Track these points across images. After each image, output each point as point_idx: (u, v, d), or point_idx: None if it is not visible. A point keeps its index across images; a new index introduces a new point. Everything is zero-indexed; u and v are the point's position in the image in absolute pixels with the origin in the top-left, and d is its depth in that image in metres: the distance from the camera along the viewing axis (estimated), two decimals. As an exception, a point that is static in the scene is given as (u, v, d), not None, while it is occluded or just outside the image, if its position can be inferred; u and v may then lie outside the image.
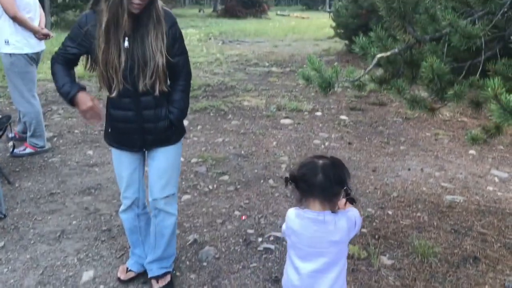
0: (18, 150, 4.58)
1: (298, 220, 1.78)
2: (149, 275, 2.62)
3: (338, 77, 2.32)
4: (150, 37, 2.15)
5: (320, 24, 22.21)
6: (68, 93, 2.19)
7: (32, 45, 4.53)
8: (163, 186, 2.45)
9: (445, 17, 2.10)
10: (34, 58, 4.62)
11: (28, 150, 4.61)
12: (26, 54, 4.48)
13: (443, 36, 2.33)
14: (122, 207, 2.57)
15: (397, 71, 2.52)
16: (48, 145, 4.80)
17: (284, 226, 1.87)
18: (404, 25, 2.22)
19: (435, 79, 2.11)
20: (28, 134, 4.60)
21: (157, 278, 2.60)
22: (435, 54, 2.23)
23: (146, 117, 2.30)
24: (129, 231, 2.64)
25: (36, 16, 4.61)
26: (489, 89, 1.66)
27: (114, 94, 2.21)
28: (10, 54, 4.41)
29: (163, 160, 2.43)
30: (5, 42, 4.37)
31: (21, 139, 4.85)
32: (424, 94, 2.71)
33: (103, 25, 2.08)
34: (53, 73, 2.25)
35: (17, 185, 3.94)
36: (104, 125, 2.42)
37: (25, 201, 3.66)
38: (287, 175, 1.79)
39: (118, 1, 2.02)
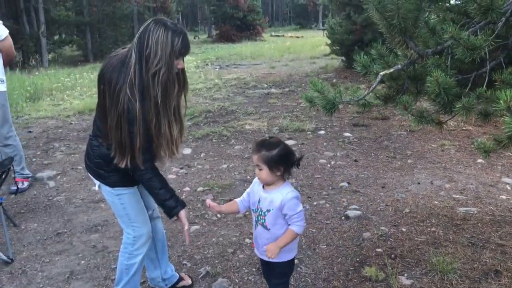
0: (20, 188, 4.56)
1: (293, 188, 2.16)
2: (177, 280, 2.84)
3: (342, 97, 2.28)
4: (180, 101, 2.28)
5: (314, 42, 22.41)
6: (174, 208, 2.28)
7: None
8: None
9: (447, 30, 2.07)
10: None
11: (27, 183, 4.64)
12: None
13: (445, 49, 2.30)
14: (144, 244, 2.51)
15: (401, 87, 2.48)
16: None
17: (301, 207, 2.12)
18: (406, 41, 2.19)
19: (442, 93, 2.07)
20: (17, 169, 4.59)
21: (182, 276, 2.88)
22: (439, 67, 2.19)
23: None
24: (148, 258, 2.72)
25: None
26: (501, 101, 1.62)
27: (163, 164, 2.31)
28: (5, 92, 4.49)
29: None
30: (1, 81, 4.43)
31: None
32: (428, 106, 2.67)
33: (152, 101, 2.08)
34: (147, 180, 2.24)
35: (23, 227, 3.88)
36: (111, 174, 2.34)
37: (31, 243, 3.59)
38: (298, 157, 2.14)
39: (166, 75, 2.05)
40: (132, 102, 2.03)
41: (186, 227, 2.31)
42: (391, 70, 2.27)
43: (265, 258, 2.23)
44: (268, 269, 2.37)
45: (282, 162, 2.08)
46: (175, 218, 2.35)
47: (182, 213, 2.30)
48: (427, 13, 2.44)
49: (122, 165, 2.16)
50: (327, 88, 2.42)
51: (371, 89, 2.28)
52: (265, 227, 2.18)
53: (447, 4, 2.76)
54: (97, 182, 2.42)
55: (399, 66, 2.29)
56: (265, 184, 2.17)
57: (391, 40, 2.29)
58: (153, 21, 2.08)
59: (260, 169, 2.09)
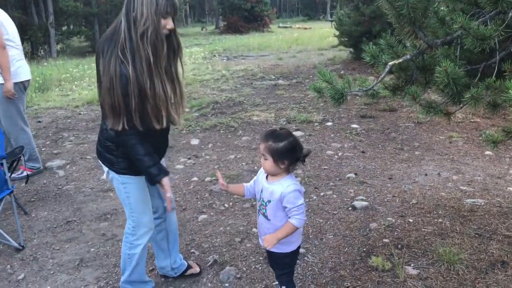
0: (17, 175, 4.62)
1: (296, 181, 2.15)
2: (185, 268, 2.90)
3: (350, 88, 2.29)
4: (177, 65, 2.29)
5: (322, 33, 22.29)
6: (157, 175, 2.26)
7: (24, 73, 4.62)
8: None
9: (456, 20, 2.06)
10: (26, 86, 4.74)
11: (26, 172, 4.66)
12: (21, 83, 4.58)
13: (454, 39, 2.30)
14: (144, 235, 2.51)
15: (410, 77, 2.48)
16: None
17: (303, 201, 2.11)
18: (415, 31, 2.19)
19: (451, 84, 2.07)
20: (24, 159, 4.66)
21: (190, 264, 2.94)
22: (448, 58, 2.19)
23: (164, 133, 2.45)
24: (157, 246, 2.78)
25: (22, 52, 4.71)
26: (510, 91, 1.62)
27: (164, 125, 2.24)
28: (2, 85, 4.44)
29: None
30: None
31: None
32: (436, 97, 2.67)
33: (144, 61, 2.09)
34: (132, 145, 2.21)
35: (33, 215, 3.93)
36: (120, 160, 2.35)
37: (42, 231, 3.65)
38: (305, 153, 2.13)
39: (154, 34, 2.07)
40: (124, 64, 2.07)
41: (168, 194, 2.31)
42: (400, 60, 2.27)
43: (271, 249, 2.26)
44: (271, 259, 2.40)
45: (288, 155, 2.07)
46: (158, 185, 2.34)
47: (165, 180, 2.28)
48: (436, 3, 2.43)
49: (119, 128, 2.13)
50: (335, 78, 2.42)
51: (379, 79, 2.28)
52: (266, 217, 2.19)
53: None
54: (105, 169, 2.44)
55: (408, 57, 2.28)
56: (269, 175, 2.17)
57: (400, 30, 2.29)
58: None
59: (265, 159, 2.09)
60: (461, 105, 2.36)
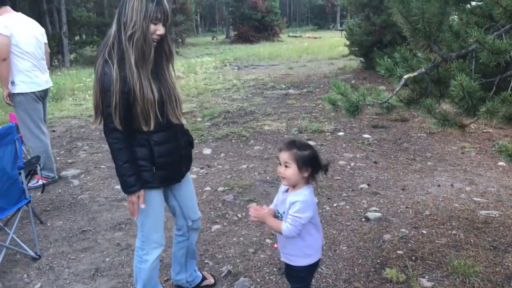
0: (32, 184, 4.69)
1: (309, 194, 2.14)
2: (201, 280, 2.91)
3: (365, 100, 2.30)
4: (170, 69, 2.34)
5: (333, 43, 22.33)
6: (133, 186, 2.26)
7: (38, 84, 4.75)
8: (196, 206, 2.73)
9: (471, 34, 2.08)
10: (41, 96, 4.86)
11: (41, 181, 4.73)
12: (33, 93, 4.70)
13: (469, 53, 2.31)
14: (153, 250, 2.50)
15: (425, 90, 2.49)
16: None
17: (304, 216, 2.08)
18: (430, 45, 2.20)
19: (466, 97, 2.08)
20: (39, 168, 4.73)
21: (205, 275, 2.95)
22: (463, 71, 2.20)
23: (182, 145, 2.47)
24: (175, 260, 2.81)
25: (39, 63, 4.81)
26: (527, 105, 1.63)
27: (151, 128, 2.24)
28: (17, 94, 4.62)
29: (189, 184, 2.69)
30: (12, 83, 4.59)
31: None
32: (448, 108, 2.68)
33: (133, 63, 2.13)
34: (117, 149, 2.23)
35: (49, 224, 3.98)
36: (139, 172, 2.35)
37: (58, 240, 3.69)
38: (325, 164, 2.17)
39: (142, 38, 2.12)
40: (109, 65, 2.13)
41: (135, 205, 2.32)
42: (415, 73, 2.28)
43: (285, 260, 2.28)
44: (287, 271, 2.40)
45: (311, 164, 2.10)
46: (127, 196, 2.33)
47: (136, 197, 2.29)
48: (451, 17, 2.45)
49: (96, 125, 2.25)
50: (350, 90, 2.44)
51: (394, 92, 2.30)
52: None
53: (468, 6, 2.77)
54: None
55: (423, 70, 2.30)
56: (288, 184, 2.18)
57: (415, 44, 2.31)
58: None
59: (287, 167, 2.10)
60: (476, 117, 2.36)
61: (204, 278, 2.93)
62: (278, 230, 2.11)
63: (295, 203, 2.08)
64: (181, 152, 2.47)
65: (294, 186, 2.17)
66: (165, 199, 2.57)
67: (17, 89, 4.61)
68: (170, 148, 2.37)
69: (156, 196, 2.43)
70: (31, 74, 4.67)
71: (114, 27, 2.18)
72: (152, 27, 2.15)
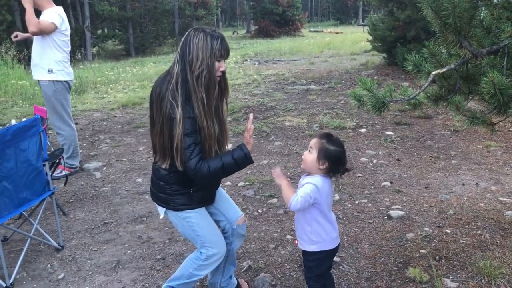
0: (56, 174, 4.77)
1: (322, 182, 2.16)
2: (235, 287, 2.78)
3: (392, 96, 2.26)
4: (223, 104, 2.38)
5: (354, 38, 22.09)
6: (247, 156, 2.24)
7: (69, 74, 4.93)
8: (235, 206, 2.69)
9: (504, 29, 2.02)
10: (71, 86, 5.04)
11: (64, 172, 4.84)
12: (66, 82, 4.88)
13: (501, 49, 2.24)
14: (216, 261, 2.45)
15: (453, 87, 2.43)
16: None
17: (313, 195, 2.12)
18: (460, 40, 2.14)
19: (497, 94, 2.02)
20: (65, 156, 4.82)
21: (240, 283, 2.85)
22: (494, 67, 2.14)
23: None
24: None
25: (69, 55, 5.03)
26: None
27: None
28: (54, 82, 4.75)
29: (221, 191, 2.66)
30: (49, 70, 4.72)
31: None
32: (474, 106, 2.61)
33: (200, 103, 2.15)
34: (218, 169, 2.19)
35: (71, 216, 4.03)
36: (175, 198, 2.36)
37: (80, 231, 3.73)
38: (346, 168, 2.23)
39: (208, 76, 2.15)
40: (173, 106, 2.13)
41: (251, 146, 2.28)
42: (444, 69, 2.23)
43: (298, 244, 2.35)
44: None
45: (331, 160, 2.13)
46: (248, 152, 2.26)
47: (249, 145, 2.25)
48: (481, 12, 2.38)
49: (164, 166, 2.27)
50: (376, 86, 2.40)
51: (422, 88, 2.24)
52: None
53: (498, 0, 2.69)
54: (162, 210, 2.44)
55: (452, 66, 2.24)
56: (304, 168, 2.24)
57: (444, 39, 2.25)
58: (193, 29, 2.23)
59: (310, 152, 2.16)
60: (506, 115, 2.30)
61: (238, 286, 2.84)
62: (288, 196, 2.15)
63: (306, 183, 2.15)
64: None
65: (309, 174, 2.22)
66: None
67: (55, 77, 4.75)
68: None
69: (202, 210, 2.43)
70: (67, 65, 4.89)
71: (177, 66, 2.19)
72: (216, 64, 2.19)
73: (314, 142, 2.17)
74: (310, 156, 2.16)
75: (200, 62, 2.13)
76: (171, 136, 2.16)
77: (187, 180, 2.30)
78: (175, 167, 2.24)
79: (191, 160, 2.14)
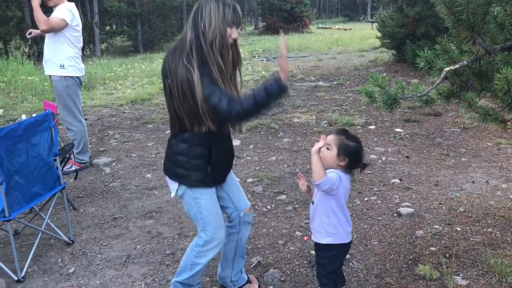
0: (66, 168, 4.80)
1: (343, 176, 2.18)
2: (245, 282, 2.78)
3: (404, 93, 2.25)
4: (236, 73, 2.35)
5: (363, 35, 21.96)
6: (280, 85, 2.09)
7: (81, 70, 4.98)
8: (244, 196, 2.68)
9: (518, 26, 2.00)
10: (82, 82, 5.10)
11: (74, 167, 4.87)
12: (78, 78, 4.93)
13: (515, 45, 2.22)
14: (215, 248, 2.46)
15: (465, 84, 2.41)
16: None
17: (337, 182, 2.14)
18: (473, 37, 2.13)
19: (511, 91, 2.00)
20: (76, 151, 4.86)
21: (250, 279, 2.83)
22: (508, 64, 2.12)
23: (232, 148, 2.55)
24: (224, 257, 2.71)
25: (80, 51, 5.09)
26: None
27: (217, 127, 2.24)
28: (65, 77, 4.80)
29: (233, 176, 2.64)
30: (61, 66, 4.77)
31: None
32: (484, 103, 2.59)
33: (216, 68, 2.14)
34: (250, 104, 2.10)
35: (81, 210, 4.06)
36: (192, 173, 2.34)
37: (90, 226, 3.76)
38: (365, 163, 2.25)
39: (221, 43, 2.14)
40: (189, 70, 2.11)
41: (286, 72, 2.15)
42: (456, 66, 2.21)
43: (312, 237, 2.35)
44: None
45: (351, 156, 2.16)
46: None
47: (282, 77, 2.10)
48: (495, 8, 2.35)
49: (205, 129, 2.20)
50: (387, 83, 2.39)
51: (434, 85, 2.23)
52: (313, 203, 2.31)
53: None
54: (174, 188, 2.42)
55: (465, 62, 2.23)
56: (324, 167, 2.19)
57: (456, 35, 2.23)
58: None
59: (329, 149, 2.17)
60: (520, 113, 2.28)
61: (248, 281, 2.83)
62: (320, 173, 2.07)
63: (330, 172, 2.16)
64: (232, 154, 2.55)
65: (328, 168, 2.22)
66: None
67: (67, 73, 4.80)
68: (226, 150, 2.44)
69: (213, 194, 2.43)
70: (78, 60, 4.94)
71: (190, 34, 2.17)
72: (228, 30, 2.18)
73: (332, 138, 2.17)
74: (329, 153, 2.17)
75: (213, 29, 2.12)
76: (194, 98, 2.12)
77: (206, 155, 2.32)
78: (198, 138, 2.25)
79: (222, 103, 2.08)
